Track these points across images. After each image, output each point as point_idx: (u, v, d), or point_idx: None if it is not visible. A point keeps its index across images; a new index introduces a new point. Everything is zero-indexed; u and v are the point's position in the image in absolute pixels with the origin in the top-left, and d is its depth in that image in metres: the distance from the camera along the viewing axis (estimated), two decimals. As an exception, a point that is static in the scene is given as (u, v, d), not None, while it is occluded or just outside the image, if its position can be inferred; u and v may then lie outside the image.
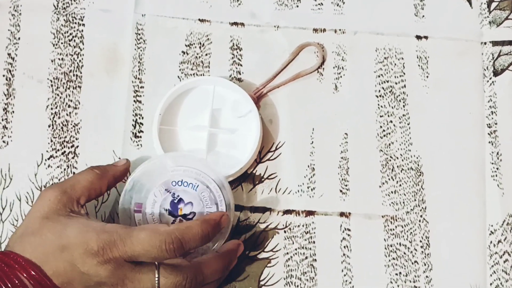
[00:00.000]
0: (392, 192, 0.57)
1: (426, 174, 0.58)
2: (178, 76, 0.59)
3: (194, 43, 0.60)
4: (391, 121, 0.59)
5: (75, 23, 0.59)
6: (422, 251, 0.56)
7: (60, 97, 0.58)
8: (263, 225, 0.56)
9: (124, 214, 0.51)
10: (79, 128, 0.57)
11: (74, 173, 0.56)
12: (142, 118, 0.58)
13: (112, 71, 0.58)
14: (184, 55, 0.59)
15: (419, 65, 0.60)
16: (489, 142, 0.59)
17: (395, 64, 0.60)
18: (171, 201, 0.50)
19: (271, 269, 0.55)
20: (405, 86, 0.60)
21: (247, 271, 0.55)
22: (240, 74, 0.59)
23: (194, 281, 0.46)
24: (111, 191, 0.56)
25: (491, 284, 0.56)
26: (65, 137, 0.57)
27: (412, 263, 0.56)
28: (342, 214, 0.57)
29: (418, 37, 0.61)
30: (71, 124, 0.57)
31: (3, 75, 0.58)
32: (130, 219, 0.50)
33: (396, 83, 0.60)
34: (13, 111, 0.57)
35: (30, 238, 0.45)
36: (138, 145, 0.57)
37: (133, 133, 0.57)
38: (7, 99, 0.57)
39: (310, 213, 0.57)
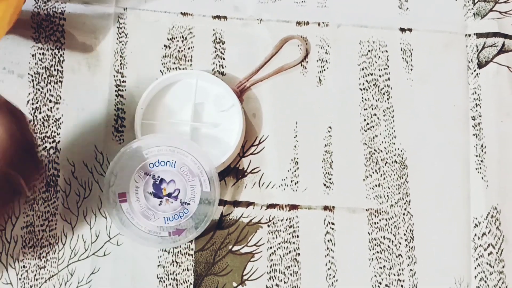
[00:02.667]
0: (376, 185, 0.57)
1: (410, 167, 0.58)
2: (161, 70, 0.58)
3: (176, 37, 0.59)
4: (375, 114, 0.59)
5: (56, 17, 0.59)
6: (406, 245, 0.56)
7: (41, 92, 0.57)
8: (246, 220, 0.56)
9: (110, 208, 0.51)
10: (61, 123, 0.57)
11: (55, 168, 0.56)
12: (124, 112, 0.57)
13: (93, 66, 0.58)
14: (166, 49, 0.59)
15: (403, 58, 0.60)
16: (474, 135, 0.59)
17: (379, 57, 0.60)
18: (153, 183, 0.51)
19: (255, 264, 0.55)
20: (389, 79, 0.60)
21: (230, 266, 0.55)
22: (223, 67, 0.59)
23: None
24: (93, 187, 0.55)
25: (475, 277, 0.56)
26: (46, 132, 0.56)
27: (396, 257, 0.56)
28: (326, 208, 0.56)
29: (402, 30, 0.61)
30: (52, 119, 0.57)
31: (-17, 70, 0.57)
32: (117, 211, 0.51)
33: (380, 76, 0.60)
34: (-7, 107, 0.56)
35: None
36: (120, 139, 0.57)
37: (115, 127, 0.57)
38: (-13, 94, 0.57)
39: (293, 207, 0.56)
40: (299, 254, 0.55)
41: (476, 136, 0.59)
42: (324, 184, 0.57)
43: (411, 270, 0.56)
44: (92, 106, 0.57)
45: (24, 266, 0.54)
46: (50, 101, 0.57)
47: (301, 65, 0.59)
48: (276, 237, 0.56)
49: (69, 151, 0.56)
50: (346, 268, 0.55)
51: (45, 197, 0.55)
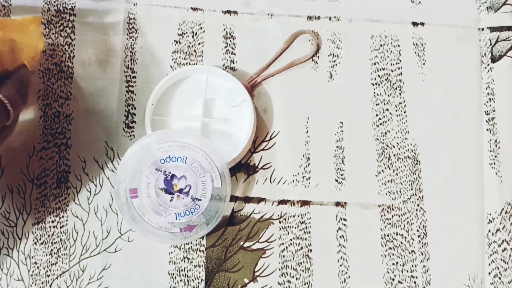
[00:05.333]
0: (388, 181, 0.57)
1: (423, 163, 0.57)
2: (171, 66, 0.58)
3: (186, 32, 0.59)
4: (387, 109, 0.58)
5: (66, 13, 0.58)
6: (419, 241, 0.56)
7: (52, 88, 0.57)
8: (257, 216, 0.55)
9: (121, 204, 0.51)
10: (71, 119, 0.56)
11: (66, 164, 0.56)
12: (135, 108, 0.57)
13: (103, 62, 0.58)
14: (176, 44, 0.59)
15: (415, 52, 0.59)
16: (487, 130, 0.58)
17: (391, 51, 0.59)
18: (164, 179, 0.51)
19: (266, 260, 0.55)
20: (401, 73, 0.59)
21: (241, 262, 0.54)
22: (233, 63, 0.59)
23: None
24: (103, 183, 0.55)
25: (489, 273, 0.55)
26: (57, 128, 0.56)
27: (409, 253, 0.55)
28: (338, 204, 0.56)
29: (415, 24, 0.60)
30: (62, 115, 0.56)
31: (-6, 67, 0.57)
32: (128, 207, 0.51)
33: (392, 71, 0.59)
34: (4, 103, 0.56)
35: None
36: (130, 135, 0.56)
37: (125, 123, 0.57)
38: (-2, 90, 0.57)
39: (305, 203, 0.56)
40: (311, 250, 0.55)
41: (490, 131, 0.58)
42: (336, 180, 0.56)
43: (424, 266, 0.55)
44: (103, 102, 0.57)
45: (35, 263, 0.54)
46: (61, 97, 0.57)
47: (312, 60, 0.59)
48: (288, 233, 0.55)
49: (79, 147, 0.56)
50: (359, 264, 0.55)
51: (56, 193, 0.55)
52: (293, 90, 0.58)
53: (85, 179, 0.55)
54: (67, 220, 0.55)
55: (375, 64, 0.59)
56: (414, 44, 0.60)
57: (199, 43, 0.59)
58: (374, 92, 0.59)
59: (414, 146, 0.57)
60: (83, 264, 0.54)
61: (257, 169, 0.56)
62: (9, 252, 0.54)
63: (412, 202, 0.56)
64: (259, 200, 0.56)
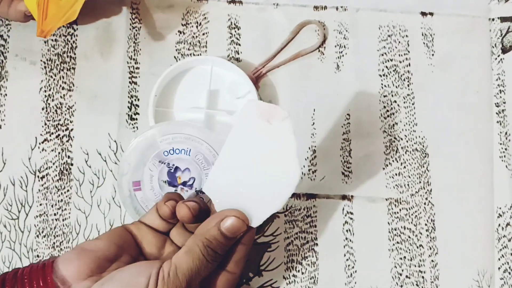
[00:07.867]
0: (396, 174, 0.56)
1: (432, 156, 0.56)
2: (175, 57, 0.57)
3: (191, 22, 0.58)
4: (395, 101, 0.57)
5: (69, 3, 0.57)
6: (428, 235, 0.55)
7: (54, 79, 0.56)
8: (262, 209, 0.55)
9: (124, 197, 0.50)
10: (74, 111, 0.56)
11: (68, 156, 0.55)
12: (138, 99, 0.56)
13: (106, 52, 0.57)
14: (180, 35, 0.58)
15: (424, 43, 0.58)
16: (497, 122, 0.57)
17: (399, 42, 0.58)
18: (167, 172, 0.50)
19: (271, 254, 0.54)
20: (409, 64, 0.58)
21: (246, 256, 0.54)
22: (238, 54, 0.58)
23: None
24: (106, 176, 0.54)
25: (499, 268, 0.54)
26: (59, 120, 0.55)
27: (417, 247, 0.54)
28: (344, 197, 0.55)
29: (423, 14, 0.59)
30: (65, 107, 0.56)
31: (-4, 57, 0.57)
32: (131, 200, 0.50)
33: (400, 62, 0.58)
34: (5, 94, 0.56)
35: None
36: (134, 127, 0.56)
37: (128, 115, 0.56)
38: (-1, 81, 0.56)
39: (311, 196, 0.55)
40: (317, 244, 0.54)
41: (500, 123, 0.57)
42: (343, 173, 0.56)
43: (432, 261, 0.54)
44: (106, 93, 0.56)
45: (38, 256, 0.53)
46: (63, 88, 0.56)
47: (319, 50, 0.58)
48: (294, 227, 0.54)
49: (82, 139, 0.55)
50: (366, 258, 0.54)
51: (58, 186, 0.54)
52: (299, 82, 0.57)
53: (88, 172, 0.55)
54: (69, 213, 0.54)
55: (382, 55, 0.58)
56: (422, 35, 0.58)
57: (203, 34, 0.58)
58: (382, 84, 0.57)
59: (422, 138, 0.56)
60: (85, 257, 0.53)
61: (262, 162, 0.55)
62: (11, 245, 0.53)
63: (420, 195, 0.55)
64: (264, 193, 0.55)
